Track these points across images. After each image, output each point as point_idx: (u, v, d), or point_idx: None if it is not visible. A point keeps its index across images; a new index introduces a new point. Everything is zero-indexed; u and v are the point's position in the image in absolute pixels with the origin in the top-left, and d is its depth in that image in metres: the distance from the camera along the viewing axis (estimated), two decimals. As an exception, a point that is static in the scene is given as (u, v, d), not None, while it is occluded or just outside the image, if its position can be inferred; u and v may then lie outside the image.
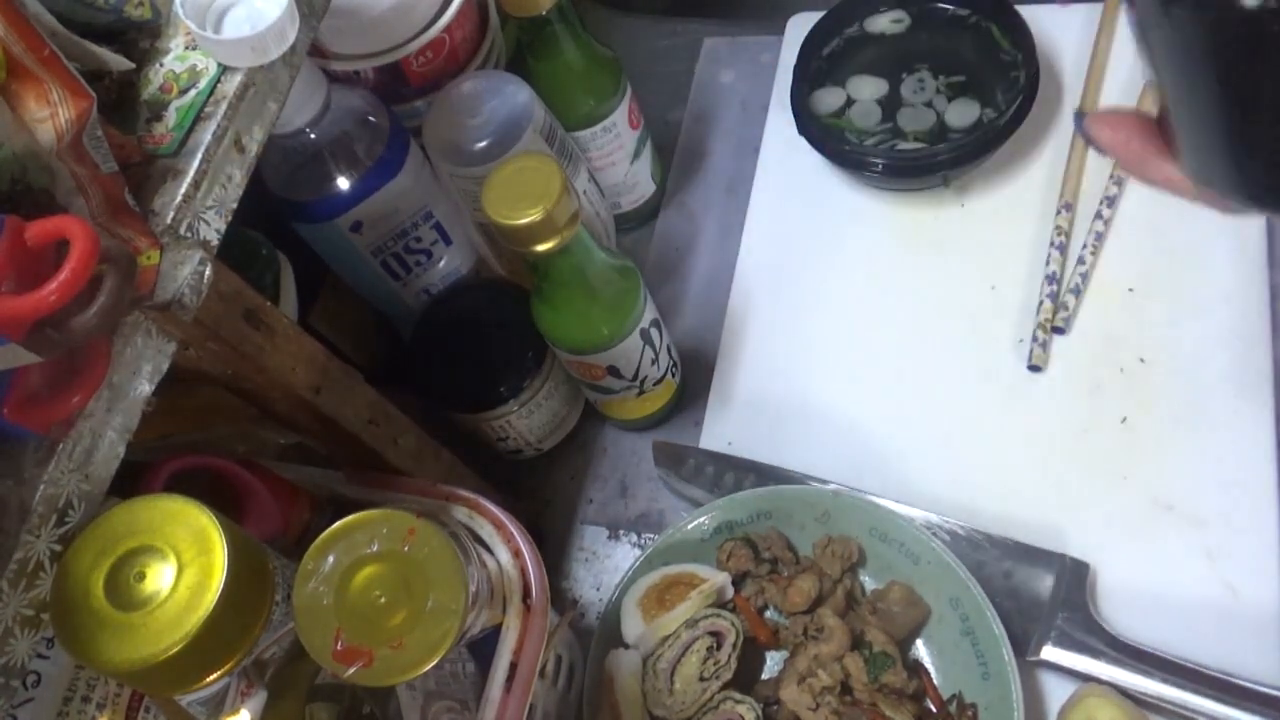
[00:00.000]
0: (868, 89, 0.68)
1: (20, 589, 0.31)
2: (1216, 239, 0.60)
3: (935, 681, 0.52)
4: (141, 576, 0.33)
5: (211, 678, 0.34)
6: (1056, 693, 0.52)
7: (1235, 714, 0.47)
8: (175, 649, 0.32)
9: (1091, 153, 0.65)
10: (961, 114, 0.64)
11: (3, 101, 0.30)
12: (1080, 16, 0.70)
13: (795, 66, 0.68)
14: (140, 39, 0.39)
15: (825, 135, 0.66)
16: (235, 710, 0.38)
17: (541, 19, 0.58)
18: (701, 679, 0.52)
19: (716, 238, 0.73)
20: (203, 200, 0.36)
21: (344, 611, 0.37)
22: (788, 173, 0.72)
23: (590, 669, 0.55)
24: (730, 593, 0.55)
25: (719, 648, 0.52)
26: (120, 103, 0.38)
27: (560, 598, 0.63)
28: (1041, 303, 0.61)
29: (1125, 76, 0.67)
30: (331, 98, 0.56)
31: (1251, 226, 0.60)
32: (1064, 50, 0.69)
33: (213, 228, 0.37)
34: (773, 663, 0.56)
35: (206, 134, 0.37)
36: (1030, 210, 0.65)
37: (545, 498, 0.67)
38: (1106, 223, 0.62)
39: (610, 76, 0.63)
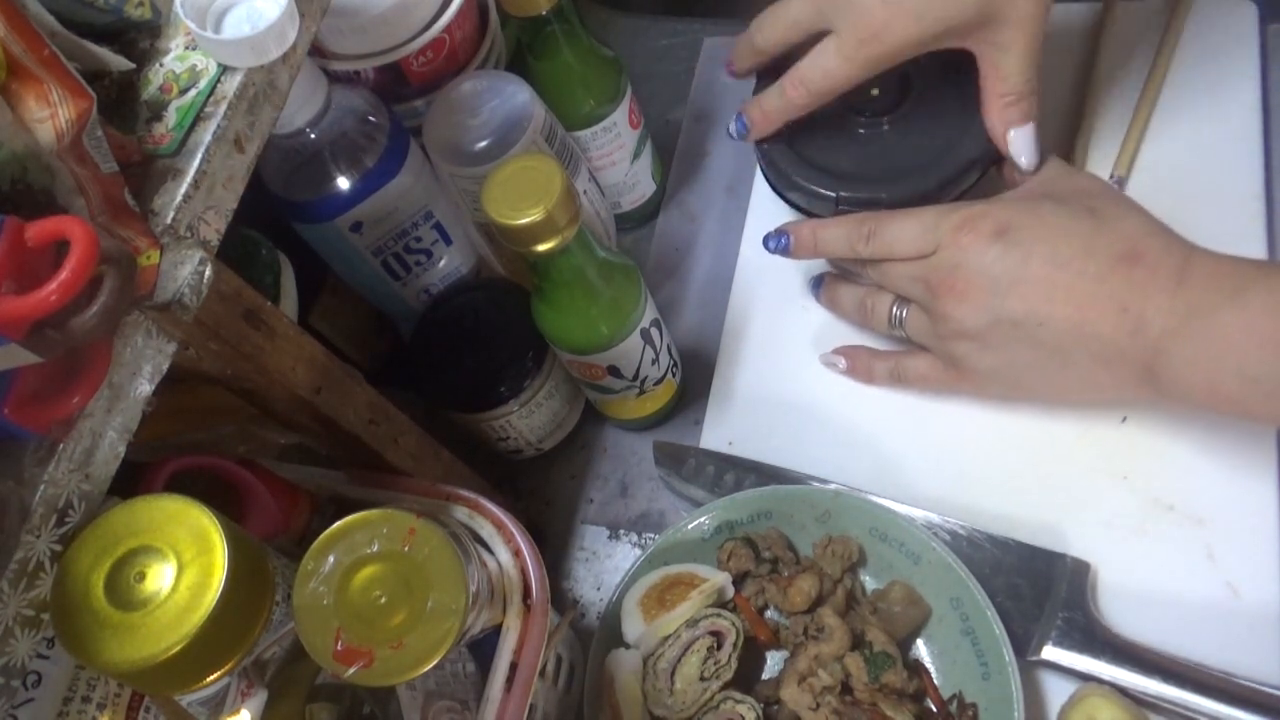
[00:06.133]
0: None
1: (20, 589, 0.31)
2: (1216, 239, 0.60)
3: (935, 681, 0.52)
4: (141, 576, 0.33)
5: (212, 678, 0.34)
6: (1056, 693, 0.52)
7: (1235, 714, 0.47)
8: (175, 649, 0.32)
9: (1091, 153, 0.65)
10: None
11: (3, 101, 0.30)
12: (1080, 16, 0.70)
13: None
14: (140, 39, 0.39)
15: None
16: (235, 710, 0.38)
17: (541, 19, 0.58)
18: (702, 679, 0.52)
19: (716, 238, 0.73)
20: (203, 200, 0.36)
21: (344, 612, 0.37)
22: (788, 172, 0.72)
23: (590, 669, 0.55)
24: (730, 593, 0.55)
25: (719, 648, 0.52)
26: (120, 103, 0.38)
27: (560, 598, 0.63)
28: (1042, 302, 0.61)
29: (1125, 77, 0.67)
30: (332, 98, 0.56)
31: (1252, 227, 0.60)
32: (1064, 50, 0.69)
33: (213, 228, 0.37)
34: (773, 663, 0.56)
35: (206, 134, 0.37)
36: (1030, 210, 0.65)
37: (545, 498, 0.67)
38: (1107, 222, 0.62)
39: (610, 76, 0.63)
